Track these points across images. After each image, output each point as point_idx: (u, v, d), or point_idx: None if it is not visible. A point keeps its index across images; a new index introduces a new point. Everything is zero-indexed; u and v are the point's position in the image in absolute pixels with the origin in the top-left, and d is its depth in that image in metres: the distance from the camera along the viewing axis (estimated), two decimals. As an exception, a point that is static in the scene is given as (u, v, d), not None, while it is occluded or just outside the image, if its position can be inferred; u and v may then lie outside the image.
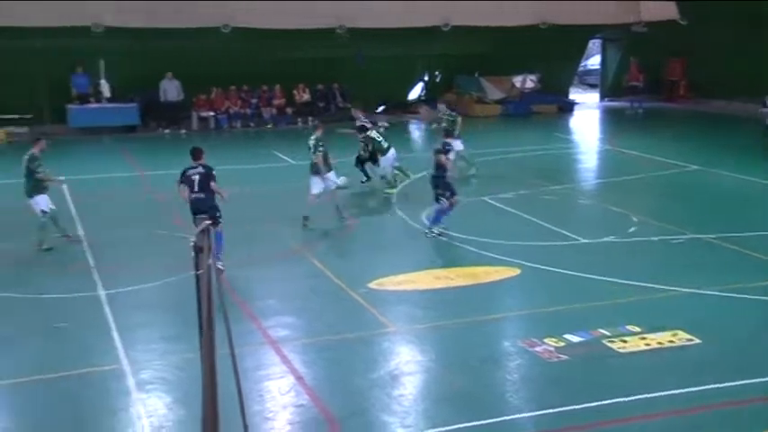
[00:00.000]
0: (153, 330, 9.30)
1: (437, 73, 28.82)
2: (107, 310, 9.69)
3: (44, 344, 8.77)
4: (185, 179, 10.83)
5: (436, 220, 12.63)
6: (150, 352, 8.65)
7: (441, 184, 12.59)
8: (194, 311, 5.01)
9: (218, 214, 10.64)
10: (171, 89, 23.96)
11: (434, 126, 17.56)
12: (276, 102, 25.34)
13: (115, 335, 8.95)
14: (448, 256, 11.92)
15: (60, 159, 19.70)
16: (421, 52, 26.48)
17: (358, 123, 16.60)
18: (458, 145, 16.00)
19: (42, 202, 11.89)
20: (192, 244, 4.83)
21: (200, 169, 10.83)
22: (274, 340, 8.85)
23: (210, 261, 4.91)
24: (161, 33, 22.67)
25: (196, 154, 11.01)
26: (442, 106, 17.77)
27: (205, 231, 4.79)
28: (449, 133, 16.08)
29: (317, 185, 13.29)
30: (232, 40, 24.04)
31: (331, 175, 13.50)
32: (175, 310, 9.88)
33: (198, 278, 4.85)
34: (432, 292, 10.50)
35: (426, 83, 28.87)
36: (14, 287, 10.34)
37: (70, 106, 22.97)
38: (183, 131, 24.03)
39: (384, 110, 27.55)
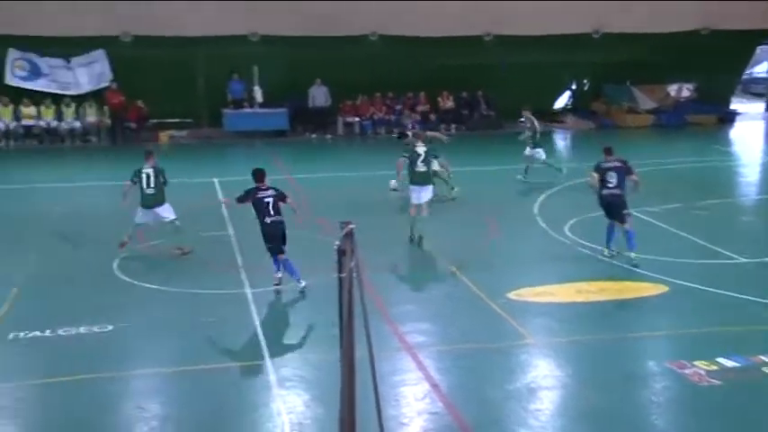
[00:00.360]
0: (294, 330, 9.64)
1: (585, 81, 28.10)
2: (252, 308, 10.13)
3: (195, 337, 9.29)
4: (256, 201, 10.39)
5: (632, 242, 11.55)
6: (291, 350, 8.98)
7: (625, 203, 11.61)
8: (333, 313, 5.16)
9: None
10: (319, 95, 24.76)
11: (522, 137, 17.59)
12: (420, 108, 25.59)
13: (259, 332, 9.35)
14: (591, 270, 11.58)
15: (215, 161, 20.91)
16: (568, 60, 25.90)
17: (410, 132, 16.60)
18: (540, 154, 17.13)
19: (171, 207, 12.51)
20: (336, 247, 4.97)
21: (272, 191, 10.43)
22: (411, 346, 8.93)
23: (353, 264, 5.03)
24: (312, 41, 23.50)
25: (260, 176, 10.57)
26: (526, 113, 17.94)
27: (349, 235, 4.92)
28: (534, 139, 17.17)
29: (427, 194, 12.87)
30: (379, 47, 24.55)
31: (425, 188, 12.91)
32: (315, 310, 10.20)
33: (340, 281, 4.99)
34: (573, 305, 10.24)
35: (573, 92, 28.20)
36: (171, 282, 11.02)
37: (225, 111, 24.23)
38: (329, 136, 24.75)
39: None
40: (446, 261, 12.02)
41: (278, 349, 8.89)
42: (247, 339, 9.17)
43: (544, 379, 8.16)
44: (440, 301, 10.58)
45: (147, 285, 10.89)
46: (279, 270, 10.63)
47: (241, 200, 10.65)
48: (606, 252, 11.88)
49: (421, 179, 12.86)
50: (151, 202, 12.29)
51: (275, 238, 10.42)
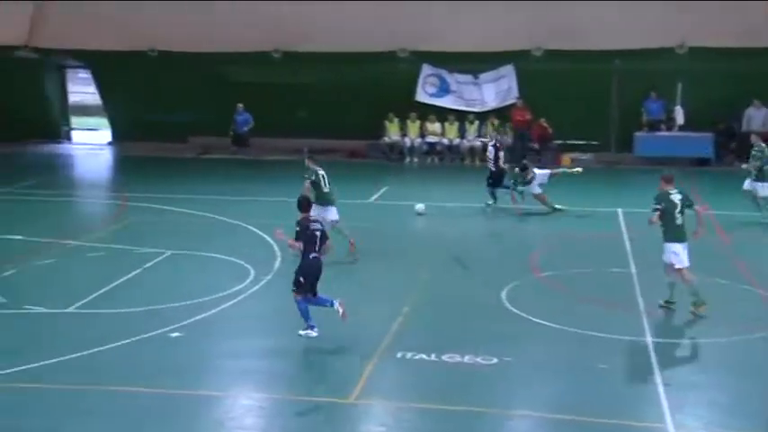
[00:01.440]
0: (702, 393, 8.90)
1: None
2: (653, 359, 9.62)
3: (583, 383, 9.06)
4: (308, 235, 10.14)
5: None
6: (698, 419, 8.27)
7: None
8: (756, 381, 4.57)
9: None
10: (757, 118, 23.02)
11: (746, 166, 16.42)
12: None
13: (660, 390, 8.79)
14: None
15: (620, 189, 20.54)
16: None
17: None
18: (764, 189, 15.89)
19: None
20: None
21: (319, 224, 10.42)
22: None
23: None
24: (755, 54, 21.86)
25: (308, 206, 10.52)
26: (755, 137, 16.72)
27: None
28: (761, 172, 15.89)
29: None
30: None
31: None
32: (732, 374, 9.31)
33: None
34: None
35: None
36: (561, 319, 10.91)
37: (637, 134, 23.70)
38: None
39: None
40: None
41: (683, 415, 8.23)
42: (645, 396, 8.69)
43: None
44: None
45: (536, 320, 10.97)
46: (313, 325, 10.09)
47: (300, 237, 10.22)
48: None
49: (680, 235, 11.02)
50: (332, 200, 13.62)
51: (313, 277, 10.15)
